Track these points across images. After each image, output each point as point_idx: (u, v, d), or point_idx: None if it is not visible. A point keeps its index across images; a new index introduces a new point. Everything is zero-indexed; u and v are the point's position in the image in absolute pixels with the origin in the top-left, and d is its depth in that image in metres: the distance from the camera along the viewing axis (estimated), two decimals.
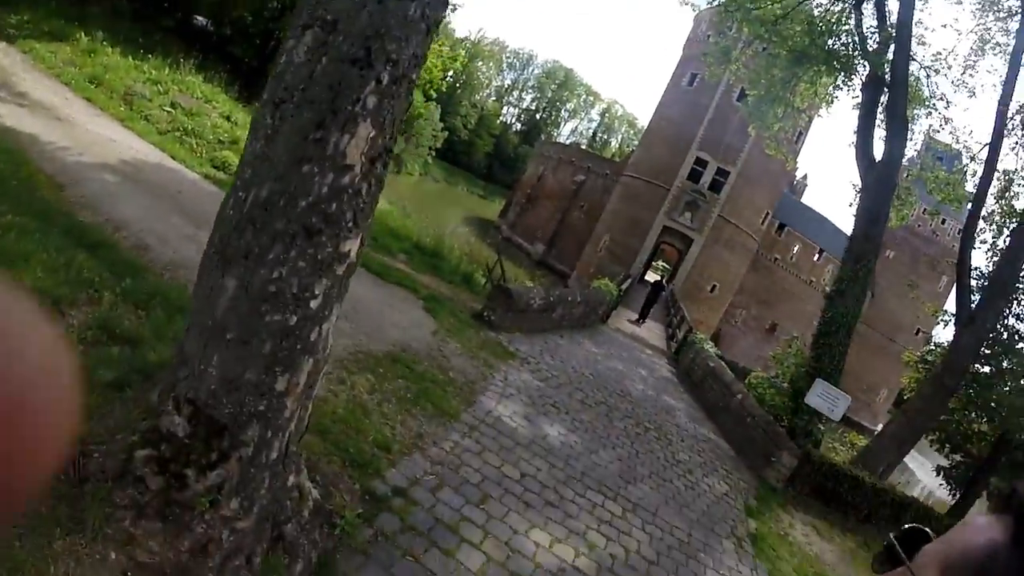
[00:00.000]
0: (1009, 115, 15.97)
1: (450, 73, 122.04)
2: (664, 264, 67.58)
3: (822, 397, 11.84)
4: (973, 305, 15.44)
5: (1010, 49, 16.07)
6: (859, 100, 16.07)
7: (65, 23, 17.50)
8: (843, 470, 12.04)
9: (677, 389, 15.59)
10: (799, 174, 66.17)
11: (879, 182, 14.65)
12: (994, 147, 15.75)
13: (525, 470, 6.78)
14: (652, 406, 12.29)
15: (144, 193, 9.84)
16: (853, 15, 16.41)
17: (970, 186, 18.12)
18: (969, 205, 17.08)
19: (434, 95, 45.51)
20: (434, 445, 6.33)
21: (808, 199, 65.89)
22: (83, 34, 17.52)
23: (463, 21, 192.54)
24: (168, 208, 9.69)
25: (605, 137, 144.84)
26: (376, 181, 3.56)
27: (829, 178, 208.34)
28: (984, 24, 17.63)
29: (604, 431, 9.29)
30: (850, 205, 17.49)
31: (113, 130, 13.13)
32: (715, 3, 17.94)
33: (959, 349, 15.26)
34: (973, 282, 16.38)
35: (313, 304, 3.44)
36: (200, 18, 39.18)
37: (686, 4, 18.44)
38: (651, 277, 49.41)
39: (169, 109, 16.76)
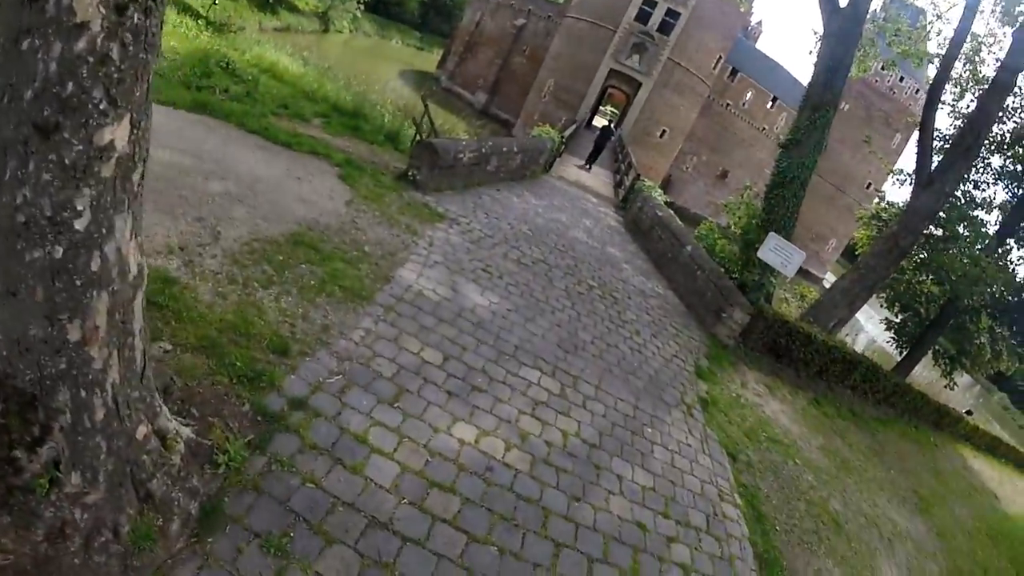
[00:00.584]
0: None
1: None
2: (612, 109, 65.82)
3: (775, 251, 11.14)
4: (933, 167, 14.96)
5: None
6: None
7: None
8: (795, 327, 11.69)
9: (624, 240, 14.81)
10: (754, 19, 63.51)
11: (843, 30, 13.47)
12: (970, 7, 14.60)
13: (449, 352, 5.95)
14: (597, 261, 11.48)
15: None
16: None
17: (933, 46, 17.53)
18: (934, 64, 16.40)
19: None
20: (342, 337, 5.41)
21: (763, 46, 63.70)
22: None
23: None
24: None
25: None
26: (135, 36, 2.34)
27: (785, 25, 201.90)
28: None
29: (542, 294, 8.46)
30: (810, 53, 16.59)
31: None
32: None
33: (916, 210, 14.83)
34: (935, 143, 16.06)
35: (79, 224, 2.43)
36: None
37: None
38: (599, 123, 48.05)
39: None
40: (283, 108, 13.30)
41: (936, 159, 15.57)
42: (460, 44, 67.04)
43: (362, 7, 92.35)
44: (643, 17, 43.97)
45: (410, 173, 10.53)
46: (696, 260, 12.21)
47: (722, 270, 12.34)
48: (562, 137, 19.99)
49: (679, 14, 43.71)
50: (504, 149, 13.45)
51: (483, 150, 12.28)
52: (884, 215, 19.44)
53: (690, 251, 12.60)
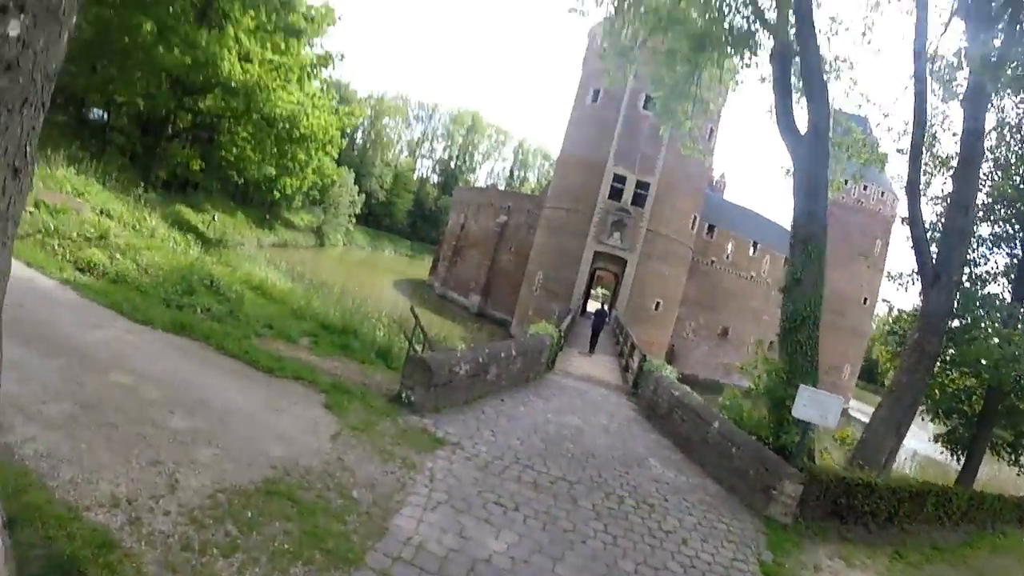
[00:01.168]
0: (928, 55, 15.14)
1: (357, 133, 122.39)
2: (604, 291, 66.68)
3: (810, 406, 10.12)
4: (934, 260, 14.64)
5: None
6: (768, 78, 14.98)
7: None
8: (853, 480, 10.63)
9: (644, 430, 13.71)
10: (716, 174, 66.71)
11: (812, 154, 13.39)
12: (919, 93, 14.85)
13: None
14: (621, 463, 10.33)
15: None
16: None
17: (888, 146, 17.84)
18: (902, 160, 16.25)
19: (335, 155, 43.88)
20: None
21: (731, 196, 66.46)
22: None
23: (363, 82, 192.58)
24: None
25: (522, 174, 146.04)
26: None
27: (746, 173, 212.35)
28: None
29: (568, 520, 7.28)
30: (775, 192, 16.37)
31: None
32: (602, 3, 16.64)
33: (931, 311, 14.26)
34: (928, 234, 15.73)
35: None
36: (96, 110, 38.93)
37: (573, 11, 17.08)
38: (593, 307, 48.19)
39: (32, 210, 14.88)
40: (268, 328, 12.90)
41: (935, 251, 15.22)
42: (448, 249, 69.11)
43: (353, 220, 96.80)
44: (616, 194, 45.49)
45: (404, 395, 9.69)
46: (727, 436, 11.14)
47: (757, 440, 11.27)
48: (560, 331, 19.42)
49: (648, 184, 45.35)
50: (502, 355, 12.73)
51: (480, 359, 11.55)
52: (898, 327, 18.85)
53: (718, 428, 11.55)
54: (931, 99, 16.31)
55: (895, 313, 20.75)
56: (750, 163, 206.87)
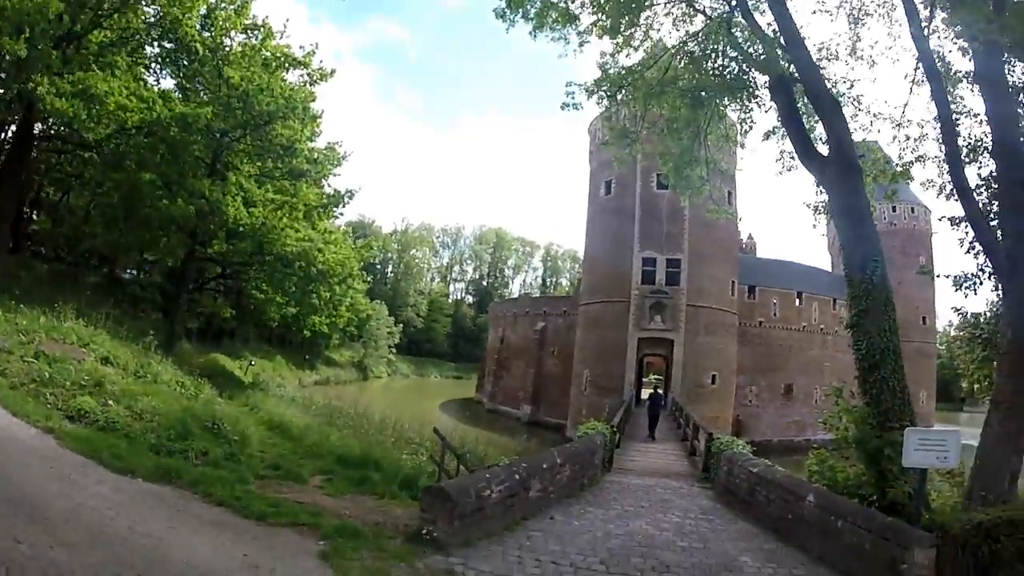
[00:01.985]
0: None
1: (388, 267, 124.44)
2: (655, 376, 64.35)
3: (925, 448, 8.10)
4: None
5: None
6: (774, 123, 14.60)
7: None
8: (991, 522, 7.98)
9: (725, 520, 11.52)
10: (744, 236, 65.40)
11: (842, 173, 12.02)
12: (931, 74, 13.06)
13: None
14: (708, 569, 8.23)
15: None
16: (724, 36, 14.44)
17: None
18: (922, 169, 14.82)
19: (362, 289, 43.81)
20: None
21: (762, 254, 64.96)
22: None
23: (388, 216, 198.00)
24: None
25: (554, 280, 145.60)
26: None
27: (772, 229, 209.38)
28: None
29: None
30: (814, 226, 14.95)
31: None
32: (593, 95, 16.00)
33: (1017, 300, 11.66)
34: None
35: None
36: (130, 270, 40.34)
37: (567, 107, 16.38)
38: (647, 394, 46.15)
39: (31, 359, 14.22)
40: (274, 469, 11.68)
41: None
42: (492, 363, 68.21)
43: (394, 351, 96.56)
44: (648, 278, 44.36)
45: (424, 531, 7.88)
46: (827, 508, 9.04)
47: (863, 506, 9.15)
48: (612, 427, 17.43)
49: (679, 260, 44.33)
50: (545, 466, 10.87)
51: (518, 476, 9.69)
52: (980, 330, 16.11)
53: (813, 500, 9.45)
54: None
55: (968, 318, 18.52)
56: (774, 219, 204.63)
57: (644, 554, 8.71)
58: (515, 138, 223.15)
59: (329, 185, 36.59)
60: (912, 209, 63.31)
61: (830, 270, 65.72)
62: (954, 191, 13.11)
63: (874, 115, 15.19)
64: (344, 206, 36.50)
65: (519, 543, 8.50)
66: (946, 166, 13.62)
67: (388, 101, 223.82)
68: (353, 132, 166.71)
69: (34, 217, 42.85)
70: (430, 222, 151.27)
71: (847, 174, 11.99)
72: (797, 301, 55.23)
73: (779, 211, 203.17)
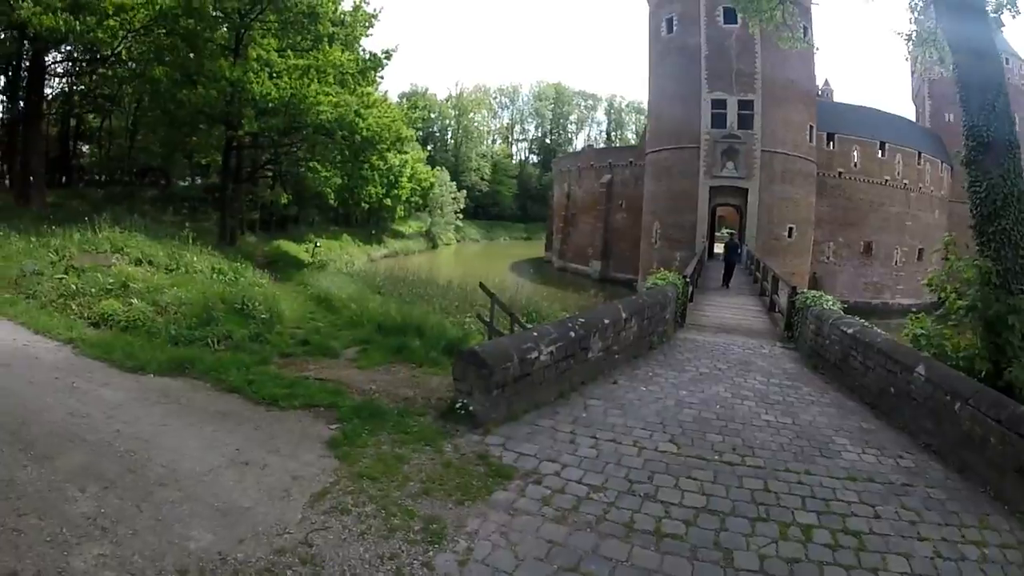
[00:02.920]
0: None
1: (448, 134, 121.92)
2: (728, 231, 61.81)
3: None
4: None
5: None
6: None
7: None
8: None
9: (816, 389, 9.90)
10: (820, 82, 60.08)
11: None
12: None
13: None
14: (796, 455, 6.67)
15: None
16: None
17: None
18: None
19: (421, 154, 42.52)
20: None
21: (840, 99, 59.63)
22: None
23: (441, 82, 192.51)
24: None
25: (619, 132, 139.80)
26: None
27: (850, 75, 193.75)
28: None
29: None
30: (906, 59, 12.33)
31: None
32: None
33: None
34: None
35: None
36: (188, 179, 40.77)
37: None
38: (720, 249, 44.29)
39: (60, 275, 13.74)
40: (303, 344, 10.81)
41: None
42: (559, 221, 66.75)
43: (461, 216, 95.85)
44: (719, 121, 40.98)
45: (459, 404, 6.60)
46: (942, 385, 7.15)
47: (987, 387, 7.11)
48: (685, 277, 15.72)
49: (751, 102, 40.62)
50: (607, 321, 9.35)
51: (573, 334, 8.22)
52: None
53: (924, 373, 7.59)
54: None
55: None
56: (852, 64, 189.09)
57: (723, 430, 7.24)
58: None
59: (363, 49, 34.22)
60: (1007, 60, 55.58)
61: (915, 120, 60.77)
62: None
63: None
64: (382, 69, 34.22)
65: (573, 416, 7.17)
66: None
67: None
68: None
69: (82, 149, 42.73)
70: (486, 83, 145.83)
71: None
72: (880, 152, 50.11)
73: (857, 55, 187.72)
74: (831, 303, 12.77)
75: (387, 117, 31.18)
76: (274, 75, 25.59)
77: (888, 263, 50.17)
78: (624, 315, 9.91)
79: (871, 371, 9.12)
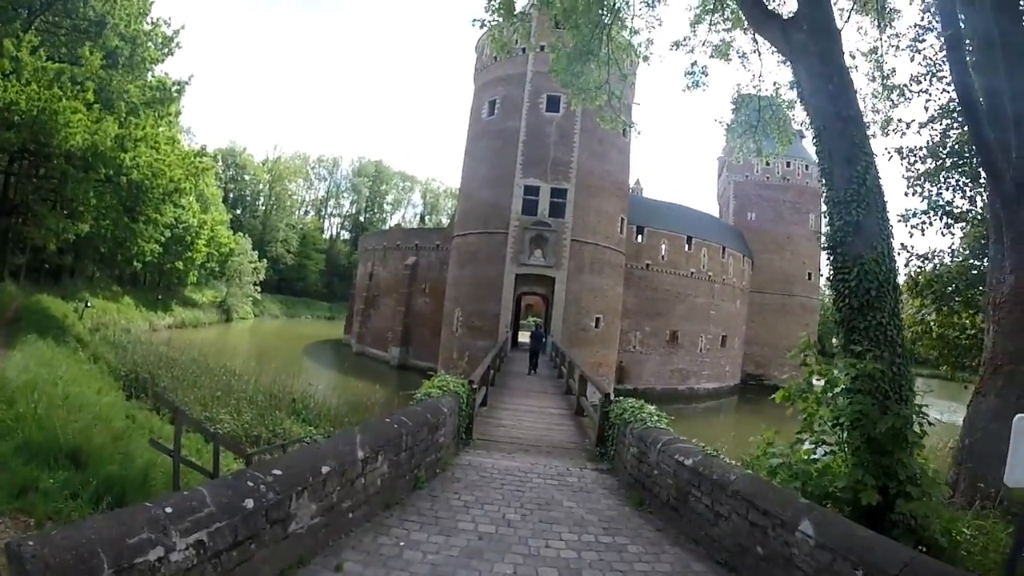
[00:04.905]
0: None
1: (259, 201, 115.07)
2: (535, 319, 61.17)
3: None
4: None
5: None
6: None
7: None
8: None
9: (650, 549, 6.84)
10: (631, 180, 63.08)
11: (816, 33, 8.57)
12: None
13: None
14: None
15: None
16: None
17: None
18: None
19: (223, 217, 37.70)
20: None
21: (650, 195, 63.31)
22: None
23: (260, 145, 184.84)
24: None
25: (434, 216, 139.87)
26: None
27: (658, 174, 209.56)
28: None
29: None
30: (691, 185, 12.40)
31: None
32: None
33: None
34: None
35: None
36: None
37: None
38: (525, 338, 42.92)
39: None
40: None
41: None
42: (361, 302, 63.18)
43: (259, 289, 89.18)
44: (530, 208, 40.17)
45: None
46: (847, 554, 4.59)
47: (913, 551, 4.53)
48: (471, 384, 12.42)
49: (565, 190, 40.30)
50: (325, 469, 5.69)
51: (252, 501, 4.70)
52: (947, 279, 14.38)
53: (813, 535, 4.99)
54: None
55: (921, 263, 15.85)
56: (662, 164, 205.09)
57: None
58: (397, 60, 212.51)
59: (153, 76, 29.73)
60: (806, 166, 63.72)
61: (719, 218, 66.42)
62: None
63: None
64: (173, 103, 29.91)
65: None
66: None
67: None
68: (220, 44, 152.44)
69: None
70: (306, 152, 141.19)
71: (822, 33, 8.45)
72: (687, 246, 52.66)
73: (666, 156, 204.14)
74: (655, 417, 10.04)
75: (162, 160, 26.41)
76: (22, 79, 20.42)
77: (693, 350, 52.22)
78: (361, 454, 6.54)
79: (724, 520, 6.40)
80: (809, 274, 64.30)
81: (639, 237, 49.53)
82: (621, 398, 11.74)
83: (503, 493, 8.54)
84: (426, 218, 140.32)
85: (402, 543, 6.22)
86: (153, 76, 29.44)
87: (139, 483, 7.79)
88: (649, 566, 6.34)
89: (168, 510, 4.15)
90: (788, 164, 63.32)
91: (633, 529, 7.52)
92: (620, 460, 10.30)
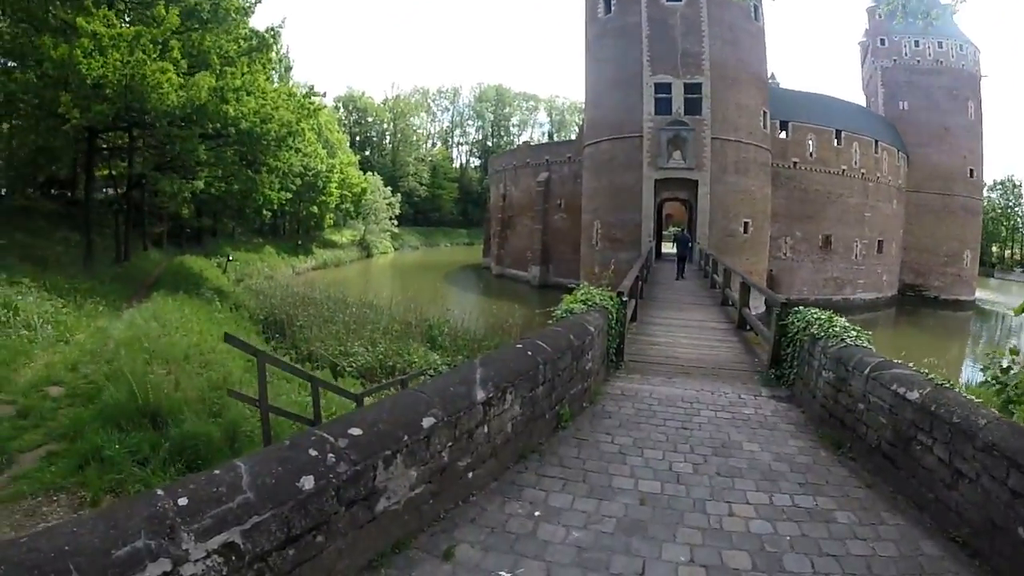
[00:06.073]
0: None
1: (385, 139, 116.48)
2: (675, 229, 57.97)
3: None
4: None
5: None
6: None
7: None
8: None
9: (865, 518, 4.92)
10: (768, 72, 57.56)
11: None
12: None
13: None
14: None
15: None
16: None
17: None
18: None
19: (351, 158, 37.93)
20: None
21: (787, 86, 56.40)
22: None
23: (378, 86, 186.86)
24: None
25: (563, 133, 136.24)
26: None
27: (793, 66, 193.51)
28: None
29: None
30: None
31: None
32: None
33: None
34: None
35: None
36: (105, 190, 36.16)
37: None
38: (668, 249, 40.27)
39: None
40: None
41: None
42: (497, 224, 62.30)
43: (396, 223, 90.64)
44: (663, 107, 36.80)
45: None
46: None
47: None
48: (620, 294, 10.61)
49: (699, 84, 36.52)
50: (426, 425, 4.18)
51: (325, 477, 3.29)
52: None
53: None
54: None
55: None
56: (797, 56, 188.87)
57: None
58: None
59: (247, 27, 29.07)
60: (960, 47, 55.06)
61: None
62: None
63: None
64: (270, 51, 29.20)
65: None
66: None
67: None
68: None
69: None
70: (425, 86, 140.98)
71: None
72: (836, 141, 46.77)
73: (802, 46, 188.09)
74: (851, 331, 7.76)
75: (268, 105, 25.86)
76: (104, 50, 20.20)
77: (848, 257, 47.30)
78: (482, 394, 4.93)
79: (968, 482, 4.37)
80: (971, 171, 55.79)
81: (783, 133, 44.58)
82: (802, 307, 9.46)
83: (666, 432, 6.78)
84: (555, 136, 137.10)
85: (537, 512, 4.64)
86: (246, 27, 28.65)
87: (222, 441, 6.70)
88: (868, 547, 4.42)
89: (181, 501, 2.79)
90: (940, 45, 54.77)
91: (836, 486, 5.53)
92: (805, 386, 8.20)
